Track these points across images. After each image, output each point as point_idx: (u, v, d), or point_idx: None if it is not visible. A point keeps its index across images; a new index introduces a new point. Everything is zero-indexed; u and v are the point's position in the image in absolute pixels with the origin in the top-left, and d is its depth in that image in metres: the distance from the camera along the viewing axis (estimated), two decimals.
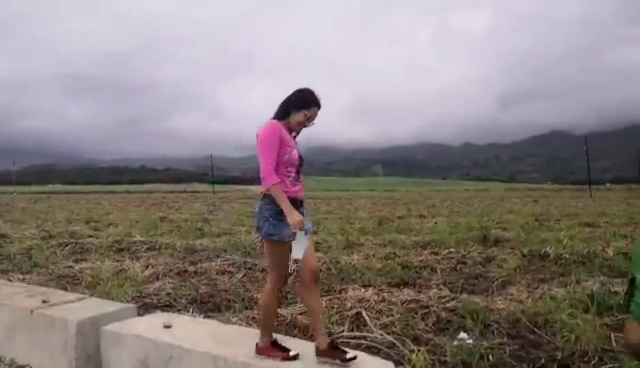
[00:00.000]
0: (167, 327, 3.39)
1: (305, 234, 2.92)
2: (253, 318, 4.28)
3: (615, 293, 4.88)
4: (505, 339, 3.89)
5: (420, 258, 7.08)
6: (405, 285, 5.62)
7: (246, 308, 4.77)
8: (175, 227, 12.85)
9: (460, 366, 3.38)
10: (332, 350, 2.92)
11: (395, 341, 3.70)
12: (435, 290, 5.09)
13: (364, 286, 5.37)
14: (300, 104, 3.05)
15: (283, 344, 3.04)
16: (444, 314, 4.35)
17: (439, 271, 6.37)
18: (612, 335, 3.81)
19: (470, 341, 3.77)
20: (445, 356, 3.49)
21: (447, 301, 4.63)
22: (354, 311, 4.42)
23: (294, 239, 2.86)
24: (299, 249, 2.86)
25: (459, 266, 6.74)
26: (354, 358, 2.88)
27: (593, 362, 3.39)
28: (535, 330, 4.01)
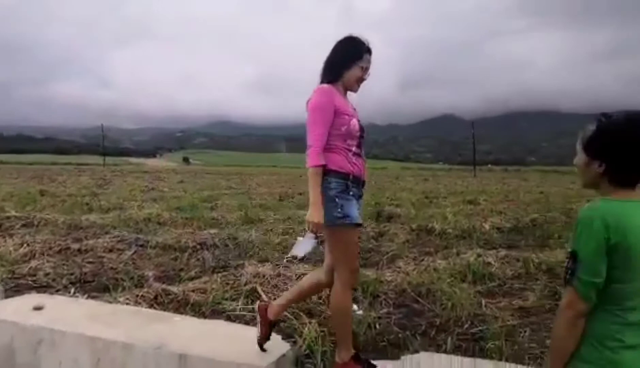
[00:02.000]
0: (38, 308, 3.12)
1: (354, 224, 2.41)
2: (142, 296, 4.09)
3: (489, 263, 5.39)
4: (392, 309, 4.12)
5: None
6: (301, 260, 5.71)
7: (136, 286, 4.54)
8: (59, 202, 11.82)
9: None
10: (356, 363, 2.56)
11: (288, 314, 3.75)
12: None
13: (261, 261, 5.37)
14: (352, 57, 2.53)
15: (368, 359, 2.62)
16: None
17: None
18: (483, 301, 4.21)
19: (360, 312, 3.94)
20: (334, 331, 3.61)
21: None
22: (249, 286, 4.41)
23: (358, 222, 2.41)
24: (303, 248, 2.49)
25: None
26: None
27: (466, 326, 3.72)
28: (419, 299, 4.30)
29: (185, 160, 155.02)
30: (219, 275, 4.74)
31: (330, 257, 2.55)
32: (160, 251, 6.12)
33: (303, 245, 2.40)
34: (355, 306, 4.10)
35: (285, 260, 2.46)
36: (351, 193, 2.45)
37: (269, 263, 5.20)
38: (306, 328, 3.32)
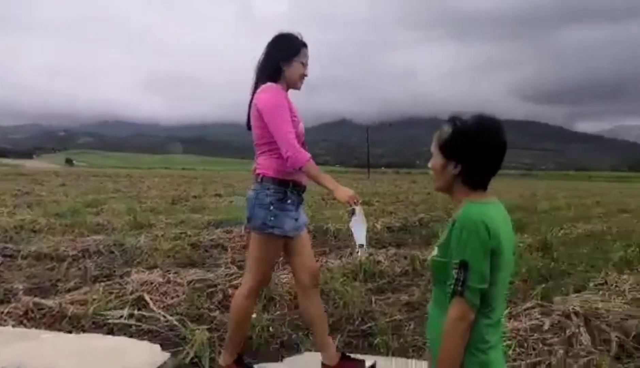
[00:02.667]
0: None
1: (299, 230, 2.44)
2: (9, 313, 3.66)
3: (379, 262, 5.63)
4: (286, 310, 4.13)
5: (211, 238, 7.04)
6: (193, 265, 5.51)
7: (2, 301, 4.05)
8: None
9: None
10: (346, 363, 2.51)
11: (176, 322, 3.59)
12: (223, 268, 5.11)
13: (149, 268, 5.08)
14: (290, 53, 2.42)
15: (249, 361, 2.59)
16: (230, 291, 4.39)
17: (229, 250, 6.42)
18: (373, 298, 4.38)
19: (254, 315, 3.90)
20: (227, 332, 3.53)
21: (235, 279, 4.69)
22: (135, 295, 4.16)
23: (296, 235, 2.39)
24: (361, 231, 2.28)
25: None
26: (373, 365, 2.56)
27: (357, 323, 3.84)
28: None
29: (69, 161, 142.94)
30: (102, 284, 4.40)
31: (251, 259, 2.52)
32: (33, 261, 5.53)
33: (357, 226, 2.28)
34: None
35: (357, 255, 2.31)
36: (289, 201, 2.41)
37: (159, 269, 4.95)
38: (195, 335, 3.19)
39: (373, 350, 3.33)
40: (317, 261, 5.75)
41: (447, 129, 1.52)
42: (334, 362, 2.58)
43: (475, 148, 1.47)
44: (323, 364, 2.62)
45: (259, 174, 2.45)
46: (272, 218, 2.35)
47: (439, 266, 1.49)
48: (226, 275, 4.79)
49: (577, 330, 3.37)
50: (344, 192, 2.30)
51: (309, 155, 2.33)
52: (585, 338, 3.32)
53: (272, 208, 2.35)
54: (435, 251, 1.52)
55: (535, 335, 3.35)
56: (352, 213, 2.30)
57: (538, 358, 3.07)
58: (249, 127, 2.53)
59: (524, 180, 61.26)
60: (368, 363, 2.65)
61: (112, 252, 6.09)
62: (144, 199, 14.38)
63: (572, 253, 6.45)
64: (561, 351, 3.11)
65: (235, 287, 4.48)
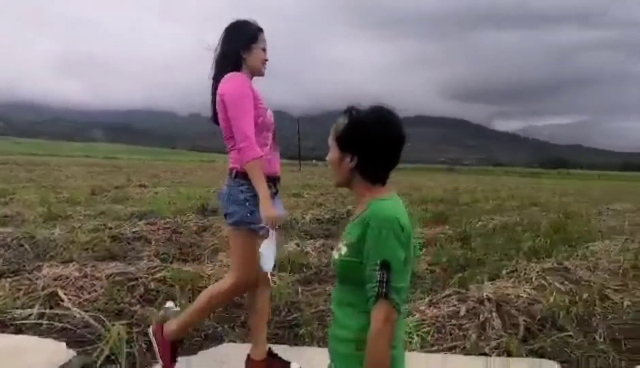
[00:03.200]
0: None
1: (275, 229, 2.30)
2: None
3: (307, 253, 5.68)
4: None
5: (134, 230, 6.74)
6: (114, 258, 5.25)
7: None
8: None
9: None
10: (273, 361, 2.48)
11: (90, 319, 3.40)
12: (145, 261, 4.92)
13: (64, 262, 4.78)
14: (248, 39, 2.36)
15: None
16: (152, 285, 4.24)
17: (152, 242, 6.19)
18: (300, 289, 4.41)
19: (177, 309, 3.78)
20: (149, 327, 3.41)
21: (158, 272, 4.53)
22: (48, 290, 3.89)
23: (267, 234, 2.26)
24: (270, 255, 2.18)
25: (174, 236, 6.70)
26: None
27: (283, 314, 3.85)
28: None
29: None
30: (9, 280, 4.09)
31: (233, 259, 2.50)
32: None
33: (268, 251, 2.22)
34: (171, 303, 3.93)
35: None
36: None
37: (74, 263, 4.66)
38: (112, 332, 3.05)
39: (298, 340, 3.36)
40: None
41: (342, 121, 1.46)
42: (261, 357, 2.56)
43: (370, 139, 1.41)
44: (249, 356, 2.59)
45: (232, 169, 2.39)
46: (249, 214, 2.31)
47: (349, 266, 1.40)
48: (148, 268, 4.62)
49: (489, 316, 3.59)
50: (269, 210, 2.24)
51: (261, 153, 2.28)
52: (496, 322, 3.55)
53: (247, 204, 2.31)
54: (343, 251, 1.42)
55: (453, 321, 3.54)
56: (267, 235, 2.27)
57: (454, 343, 3.24)
58: (216, 122, 2.46)
59: (449, 175, 64.34)
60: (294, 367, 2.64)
61: (21, 245, 5.65)
62: (60, 189, 13.50)
63: (488, 244, 6.85)
64: (474, 335, 3.31)
65: (159, 280, 4.34)
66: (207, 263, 5.23)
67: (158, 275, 4.43)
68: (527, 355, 3.17)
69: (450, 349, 3.20)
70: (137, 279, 4.30)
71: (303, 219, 8.78)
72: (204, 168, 40.69)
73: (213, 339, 3.31)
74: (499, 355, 3.12)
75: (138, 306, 3.85)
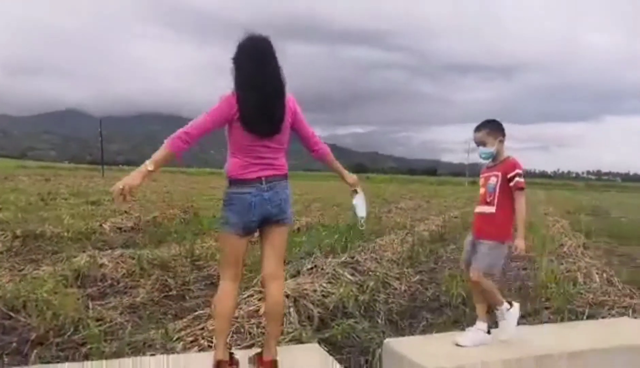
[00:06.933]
0: None
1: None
2: None
3: (102, 264, 5.19)
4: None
5: None
6: None
7: None
8: None
9: None
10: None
11: None
12: None
13: None
14: None
15: None
16: None
17: None
18: (90, 304, 4.01)
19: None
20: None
21: None
22: None
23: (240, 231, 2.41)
24: (362, 206, 2.73)
25: None
26: None
27: (68, 333, 3.44)
28: (11, 314, 3.71)
29: None
30: None
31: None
32: None
33: (360, 205, 2.68)
34: None
35: (362, 227, 2.75)
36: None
37: None
38: None
39: (87, 358, 3.04)
40: (22, 270, 4.97)
41: None
42: (268, 357, 2.51)
43: None
44: (256, 357, 2.59)
45: (277, 175, 2.50)
46: (221, 214, 2.51)
47: None
48: None
49: (287, 311, 3.77)
50: (118, 183, 2.21)
51: (174, 134, 2.34)
52: (293, 317, 3.75)
53: (223, 204, 2.50)
54: None
55: (252, 320, 3.61)
56: (355, 192, 2.76)
57: (252, 341, 3.31)
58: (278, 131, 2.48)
59: None
60: None
61: None
62: None
63: (291, 242, 7.21)
64: None
65: None
66: None
67: None
68: (319, 344, 3.41)
69: (249, 347, 3.26)
70: None
71: (101, 228, 8.03)
72: None
73: None
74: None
75: None
